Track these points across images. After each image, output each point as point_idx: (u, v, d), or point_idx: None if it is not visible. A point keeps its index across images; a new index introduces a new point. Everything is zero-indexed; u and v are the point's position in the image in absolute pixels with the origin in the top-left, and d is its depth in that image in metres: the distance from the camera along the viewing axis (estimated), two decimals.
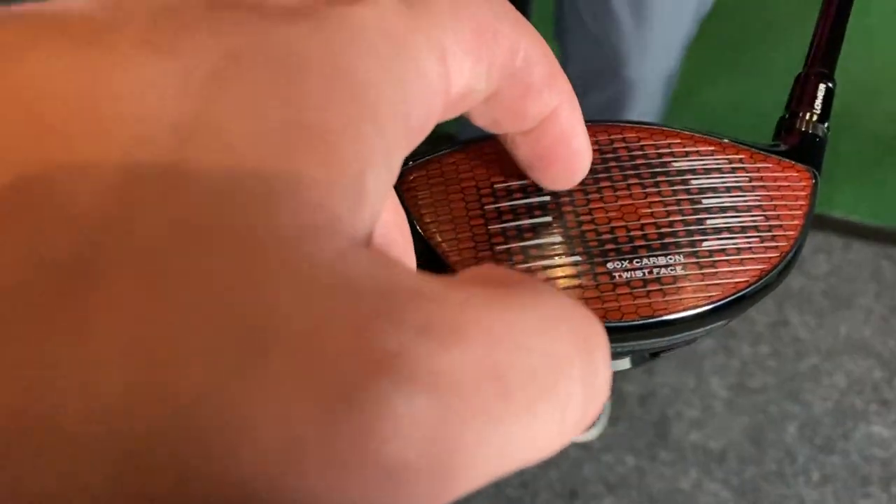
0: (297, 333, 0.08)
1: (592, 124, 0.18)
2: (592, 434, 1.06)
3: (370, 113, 0.10)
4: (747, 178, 0.20)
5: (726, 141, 0.21)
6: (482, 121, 0.15)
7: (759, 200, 0.20)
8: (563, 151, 0.16)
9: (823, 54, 0.23)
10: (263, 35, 0.10)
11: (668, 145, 0.20)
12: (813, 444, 1.08)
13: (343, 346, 0.08)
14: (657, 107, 0.80)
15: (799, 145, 0.22)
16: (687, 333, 0.19)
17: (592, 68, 0.75)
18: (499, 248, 0.18)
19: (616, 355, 0.20)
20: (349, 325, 0.08)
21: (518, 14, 0.13)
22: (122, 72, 0.09)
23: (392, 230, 0.15)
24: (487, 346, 0.09)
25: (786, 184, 0.20)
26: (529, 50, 0.13)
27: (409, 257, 0.16)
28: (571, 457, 1.06)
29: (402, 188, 0.19)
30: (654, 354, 0.21)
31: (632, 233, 0.19)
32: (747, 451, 1.07)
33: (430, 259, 0.18)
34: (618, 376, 1.11)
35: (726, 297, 0.19)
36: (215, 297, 0.08)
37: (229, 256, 0.08)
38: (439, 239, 0.18)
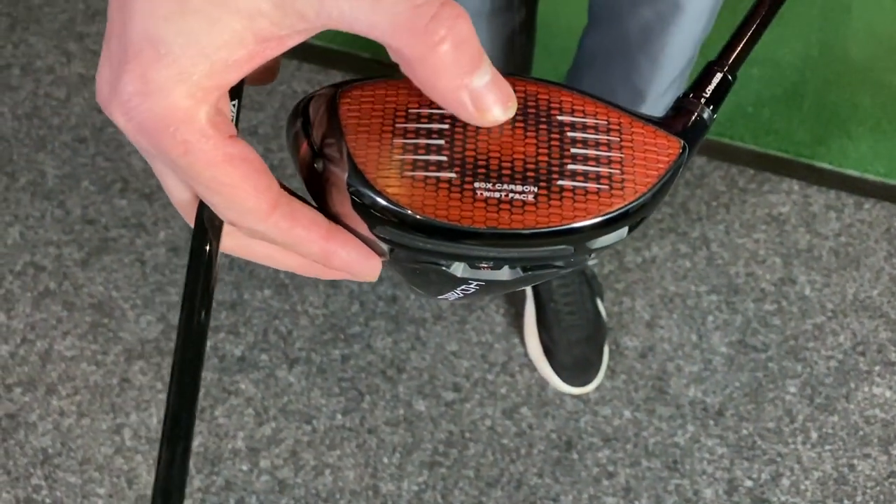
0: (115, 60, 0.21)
1: (505, 76, 0.22)
2: (590, 387, 1.05)
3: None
4: (618, 139, 0.24)
5: (613, 107, 0.24)
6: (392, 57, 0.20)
7: (621, 158, 0.24)
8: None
9: (730, 50, 0.27)
10: None
11: (560, 102, 0.24)
12: (813, 403, 1.07)
13: (111, 74, 0.21)
14: (701, 29, 0.75)
15: (680, 120, 0.26)
16: (524, 250, 0.24)
17: None
18: (395, 157, 0.23)
19: (476, 259, 0.24)
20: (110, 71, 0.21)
21: None
22: None
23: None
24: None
25: (653, 149, 0.24)
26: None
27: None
28: (568, 409, 1.05)
29: (341, 100, 0.24)
30: (526, 269, 0.25)
31: (502, 163, 0.23)
32: (746, 408, 1.06)
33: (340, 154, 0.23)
34: (619, 332, 1.10)
35: (559, 226, 0.23)
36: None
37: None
38: (354, 140, 0.23)
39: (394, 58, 0.21)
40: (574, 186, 0.23)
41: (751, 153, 1.28)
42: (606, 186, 0.23)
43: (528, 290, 1.10)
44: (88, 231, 1.17)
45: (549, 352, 1.05)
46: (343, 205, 0.24)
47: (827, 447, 1.04)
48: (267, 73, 0.27)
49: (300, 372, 1.07)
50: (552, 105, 0.24)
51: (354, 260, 0.24)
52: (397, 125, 0.24)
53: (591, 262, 0.61)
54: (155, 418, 1.03)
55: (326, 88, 0.25)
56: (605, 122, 0.24)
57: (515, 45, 0.87)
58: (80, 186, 1.21)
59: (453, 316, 1.11)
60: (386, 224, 0.23)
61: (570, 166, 0.23)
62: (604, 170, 0.23)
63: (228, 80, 0.21)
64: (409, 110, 0.24)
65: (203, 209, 0.23)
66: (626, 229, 0.24)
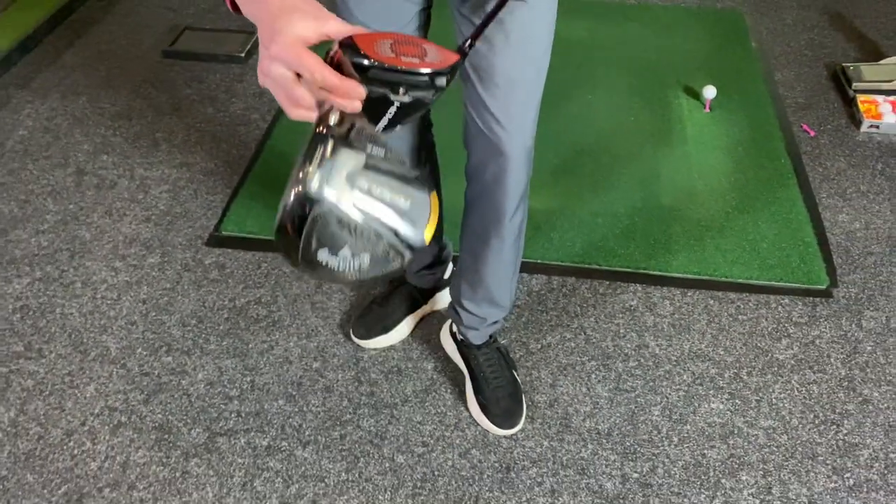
0: (272, 35, 0.66)
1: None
2: (517, 429, 1.50)
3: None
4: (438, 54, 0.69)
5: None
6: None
7: (442, 59, 0.69)
8: None
9: (473, 38, 0.78)
10: None
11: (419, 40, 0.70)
12: (672, 419, 1.54)
13: (268, 35, 0.67)
14: (525, 172, 1.28)
15: (459, 53, 0.72)
16: (413, 77, 0.66)
17: (486, 153, 1.26)
18: (374, 49, 0.68)
19: (398, 84, 0.66)
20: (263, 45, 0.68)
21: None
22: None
23: None
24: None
25: (451, 57, 0.69)
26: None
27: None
28: (504, 446, 1.48)
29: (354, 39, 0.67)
30: (412, 90, 0.67)
31: (410, 52, 0.68)
32: (626, 428, 1.52)
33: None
34: (532, 392, 1.56)
35: (423, 69, 0.66)
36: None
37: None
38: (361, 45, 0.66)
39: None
40: (420, 63, 0.65)
41: (605, 271, 1.85)
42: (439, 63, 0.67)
43: (466, 372, 1.57)
44: (146, 380, 1.61)
45: (484, 408, 1.51)
46: (350, 72, 0.63)
47: (685, 445, 1.49)
48: None
49: (312, 450, 1.48)
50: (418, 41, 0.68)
51: (351, 84, 0.63)
52: (375, 43, 0.65)
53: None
54: (210, 494, 1.42)
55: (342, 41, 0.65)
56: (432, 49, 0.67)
57: (422, 137, 1.39)
58: (135, 352, 1.66)
59: (416, 399, 1.57)
60: (366, 68, 0.63)
61: (426, 58, 0.66)
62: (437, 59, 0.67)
63: (304, 39, 0.65)
64: (379, 40, 0.65)
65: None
66: (444, 79, 0.65)
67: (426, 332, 1.70)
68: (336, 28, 0.67)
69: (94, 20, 2.83)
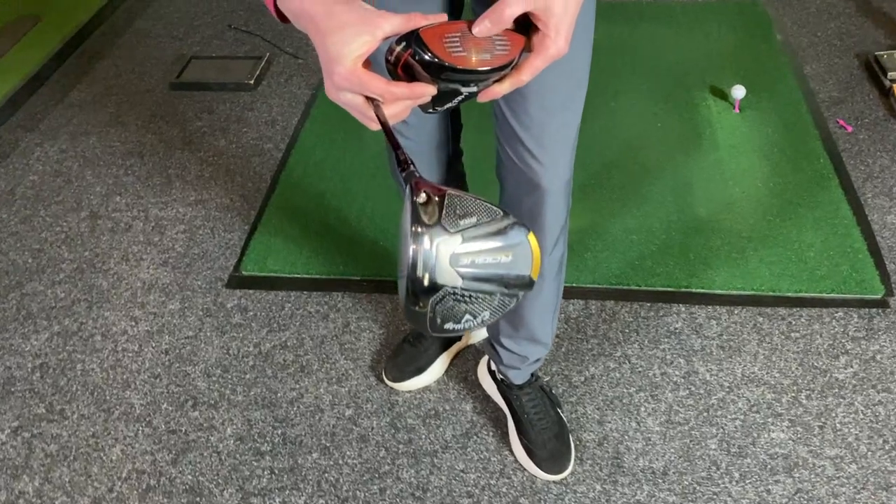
0: (329, 61, 0.66)
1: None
2: (566, 473, 1.41)
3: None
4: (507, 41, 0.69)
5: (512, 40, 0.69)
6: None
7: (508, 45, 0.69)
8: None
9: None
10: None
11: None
12: (730, 452, 1.44)
13: (324, 57, 0.66)
14: (563, 205, 1.21)
15: (520, 28, 0.69)
16: (482, 75, 0.68)
17: (520, 187, 1.18)
18: (446, 48, 0.67)
19: (469, 81, 0.69)
20: (326, 78, 0.68)
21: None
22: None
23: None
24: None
25: (516, 46, 0.69)
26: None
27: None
28: (554, 492, 1.40)
29: (421, 34, 0.66)
30: (478, 83, 0.70)
31: (479, 50, 0.68)
32: (682, 466, 1.43)
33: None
34: (579, 430, 1.47)
35: (492, 66, 0.68)
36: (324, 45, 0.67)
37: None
38: (430, 44, 0.66)
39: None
40: (493, 57, 0.67)
41: (645, 292, 1.76)
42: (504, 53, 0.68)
43: (507, 412, 1.49)
44: (173, 439, 1.54)
45: (530, 452, 1.43)
46: (420, 73, 0.66)
47: (748, 481, 1.40)
48: None
49: None
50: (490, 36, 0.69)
51: (421, 88, 0.66)
52: (444, 39, 0.65)
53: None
54: None
55: (404, 37, 0.66)
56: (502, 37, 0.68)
57: (452, 168, 1.32)
58: (160, 409, 1.60)
59: (456, 444, 1.49)
60: (441, 71, 0.65)
61: (496, 51, 0.67)
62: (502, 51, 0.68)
63: (363, 57, 0.65)
64: (446, 34, 0.65)
65: (373, 102, 0.67)
66: (510, 67, 0.68)
67: (462, 370, 1.62)
68: (391, 28, 0.66)
69: (99, 55, 2.77)
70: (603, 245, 1.86)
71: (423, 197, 0.63)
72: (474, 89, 0.72)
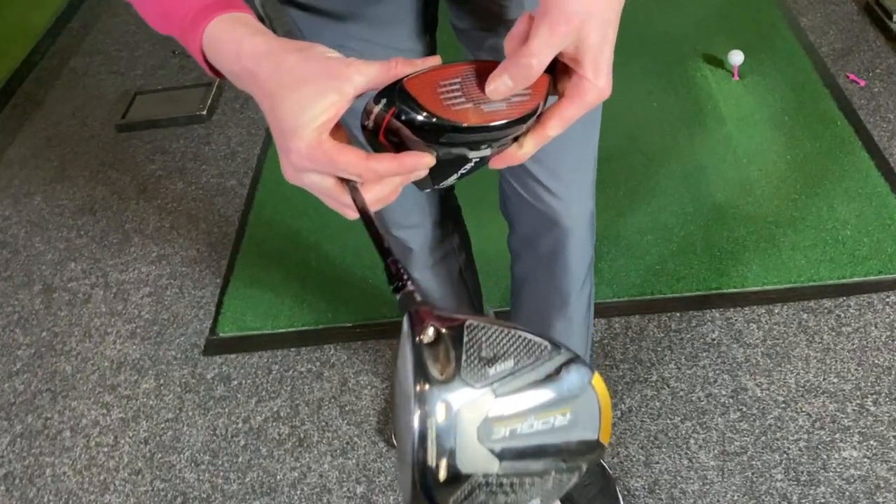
0: (283, 134, 0.48)
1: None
2: None
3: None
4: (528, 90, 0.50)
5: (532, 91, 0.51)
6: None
7: (529, 94, 0.50)
8: None
9: None
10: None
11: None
12: (800, 482, 1.26)
13: (276, 129, 0.49)
14: (588, 241, 1.00)
15: (551, 71, 0.51)
16: (496, 132, 0.49)
17: (536, 226, 0.97)
18: (441, 100, 0.48)
19: (477, 143, 0.50)
20: (282, 155, 0.49)
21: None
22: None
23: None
24: None
25: (540, 90, 0.50)
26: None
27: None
28: None
29: (405, 83, 0.48)
30: (491, 145, 0.51)
31: (484, 101, 0.49)
32: None
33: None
34: (625, 477, 1.29)
35: (507, 120, 0.49)
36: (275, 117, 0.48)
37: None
38: (420, 98, 0.48)
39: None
40: (510, 106, 0.49)
41: (672, 300, 1.57)
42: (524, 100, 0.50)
43: None
44: None
45: None
46: (410, 139, 0.48)
47: None
48: None
49: None
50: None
51: (413, 159, 0.48)
52: (438, 89, 0.48)
53: None
54: None
55: (389, 86, 0.48)
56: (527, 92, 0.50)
57: (464, 281, 1.14)
58: None
59: None
60: (438, 132, 0.48)
61: (513, 98, 0.49)
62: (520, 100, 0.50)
63: (329, 124, 0.47)
64: (440, 82, 0.48)
65: (349, 184, 0.49)
66: (533, 118, 0.50)
67: None
68: (364, 81, 0.47)
69: (35, 103, 2.53)
70: (617, 252, 1.67)
71: (430, 334, 0.41)
72: (487, 152, 0.52)
